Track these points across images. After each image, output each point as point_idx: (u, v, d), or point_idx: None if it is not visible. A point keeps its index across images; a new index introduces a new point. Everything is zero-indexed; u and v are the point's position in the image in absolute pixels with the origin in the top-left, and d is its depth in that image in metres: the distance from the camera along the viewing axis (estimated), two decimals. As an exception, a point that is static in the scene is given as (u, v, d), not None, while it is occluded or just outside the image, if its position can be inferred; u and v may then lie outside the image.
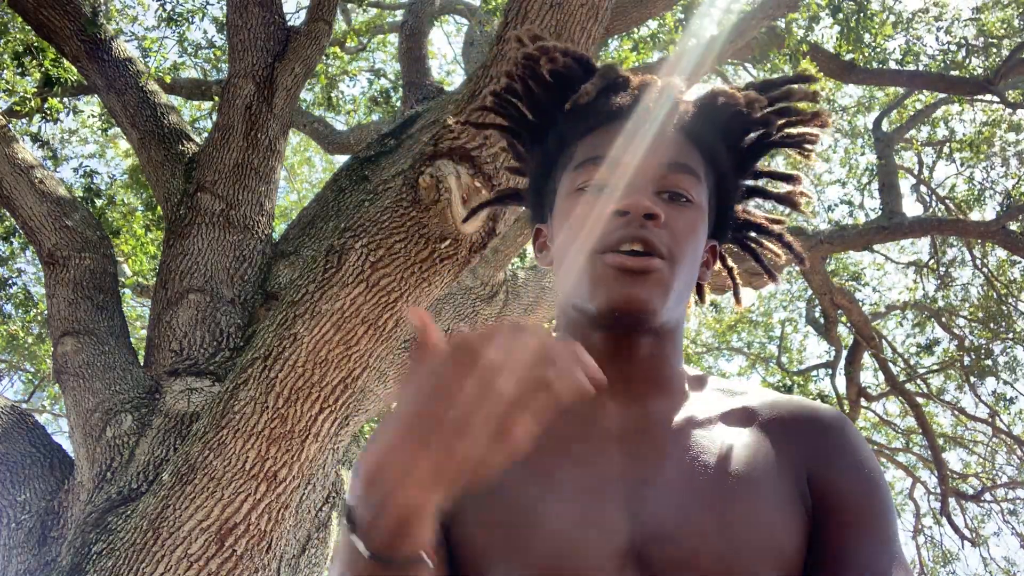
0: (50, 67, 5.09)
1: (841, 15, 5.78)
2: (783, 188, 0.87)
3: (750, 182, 0.87)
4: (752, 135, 0.82)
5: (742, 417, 0.76)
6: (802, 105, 0.81)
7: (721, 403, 0.78)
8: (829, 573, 0.69)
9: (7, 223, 5.97)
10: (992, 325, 7.52)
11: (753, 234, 0.89)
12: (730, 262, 0.92)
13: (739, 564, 0.65)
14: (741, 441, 0.73)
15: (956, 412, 8.02)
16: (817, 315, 7.85)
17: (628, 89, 0.80)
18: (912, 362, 8.21)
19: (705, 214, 0.79)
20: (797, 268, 7.09)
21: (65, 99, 5.66)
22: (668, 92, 0.79)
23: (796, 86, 0.80)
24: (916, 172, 7.95)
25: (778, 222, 0.89)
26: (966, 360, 7.50)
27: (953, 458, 8.64)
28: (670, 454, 0.72)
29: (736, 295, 0.93)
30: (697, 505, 0.68)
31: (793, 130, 0.82)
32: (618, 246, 0.72)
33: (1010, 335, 7.50)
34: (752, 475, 0.70)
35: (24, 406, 7.46)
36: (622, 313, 0.72)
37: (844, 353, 7.55)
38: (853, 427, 0.78)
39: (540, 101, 0.83)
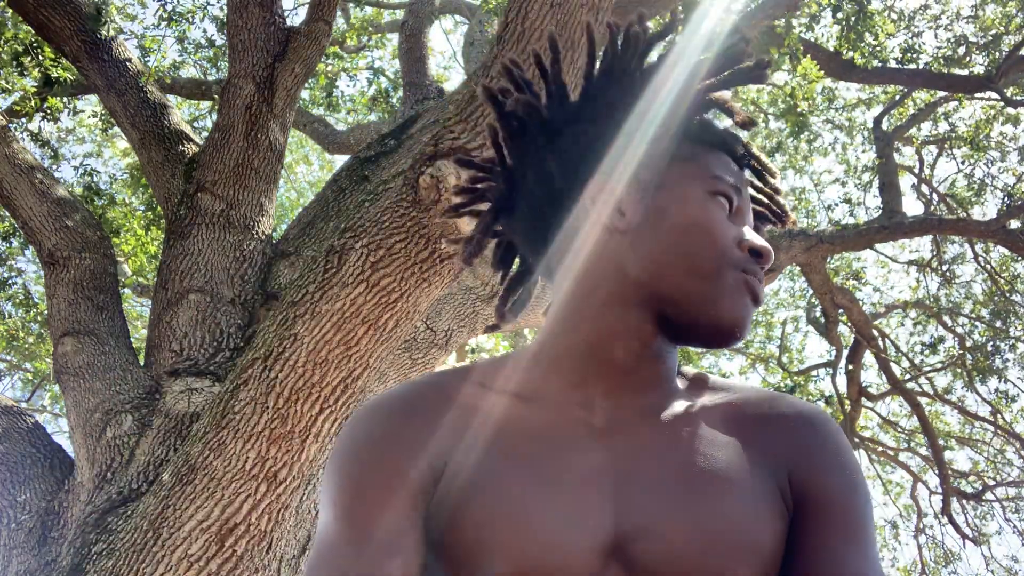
0: (50, 66, 5.08)
1: (841, 15, 5.77)
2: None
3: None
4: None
5: (726, 413, 0.77)
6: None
7: (708, 399, 0.79)
8: (808, 574, 0.69)
9: (7, 223, 5.96)
10: (999, 324, 7.50)
11: None
12: None
13: (718, 561, 0.66)
14: (723, 438, 0.74)
15: (959, 410, 7.99)
16: (818, 315, 7.84)
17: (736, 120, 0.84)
18: (917, 360, 8.18)
19: None
20: (798, 267, 7.09)
21: (65, 99, 5.65)
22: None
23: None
24: (916, 170, 7.94)
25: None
26: (968, 359, 7.49)
27: (961, 457, 8.61)
28: (654, 449, 0.73)
29: None
30: (678, 501, 0.68)
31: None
32: (749, 274, 0.76)
33: (1013, 332, 7.48)
34: (733, 472, 0.71)
35: (24, 406, 7.48)
36: (735, 329, 0.75)
37: (845, 353, 7.54)
38: (836, 426, 0.79)
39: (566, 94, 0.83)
